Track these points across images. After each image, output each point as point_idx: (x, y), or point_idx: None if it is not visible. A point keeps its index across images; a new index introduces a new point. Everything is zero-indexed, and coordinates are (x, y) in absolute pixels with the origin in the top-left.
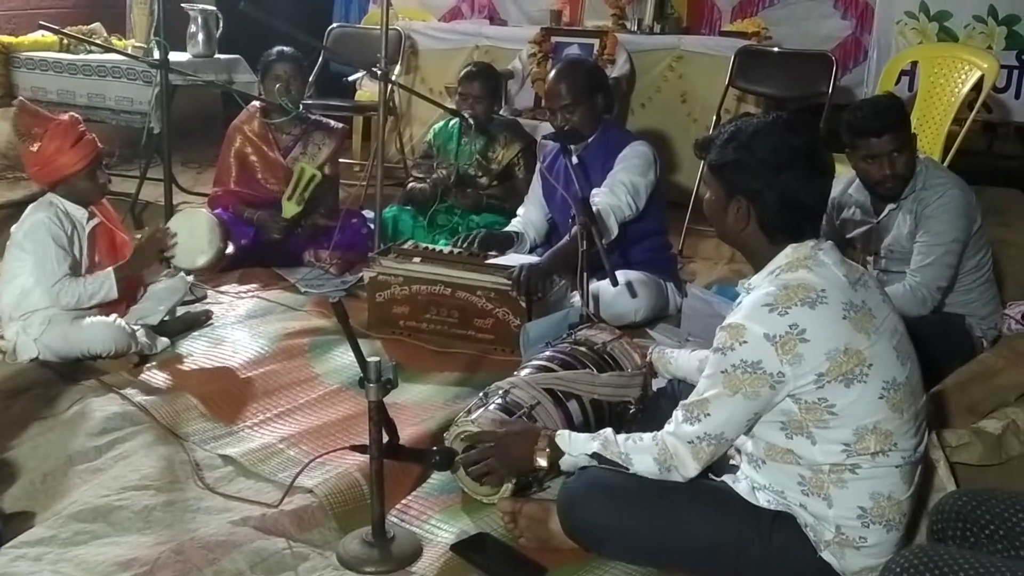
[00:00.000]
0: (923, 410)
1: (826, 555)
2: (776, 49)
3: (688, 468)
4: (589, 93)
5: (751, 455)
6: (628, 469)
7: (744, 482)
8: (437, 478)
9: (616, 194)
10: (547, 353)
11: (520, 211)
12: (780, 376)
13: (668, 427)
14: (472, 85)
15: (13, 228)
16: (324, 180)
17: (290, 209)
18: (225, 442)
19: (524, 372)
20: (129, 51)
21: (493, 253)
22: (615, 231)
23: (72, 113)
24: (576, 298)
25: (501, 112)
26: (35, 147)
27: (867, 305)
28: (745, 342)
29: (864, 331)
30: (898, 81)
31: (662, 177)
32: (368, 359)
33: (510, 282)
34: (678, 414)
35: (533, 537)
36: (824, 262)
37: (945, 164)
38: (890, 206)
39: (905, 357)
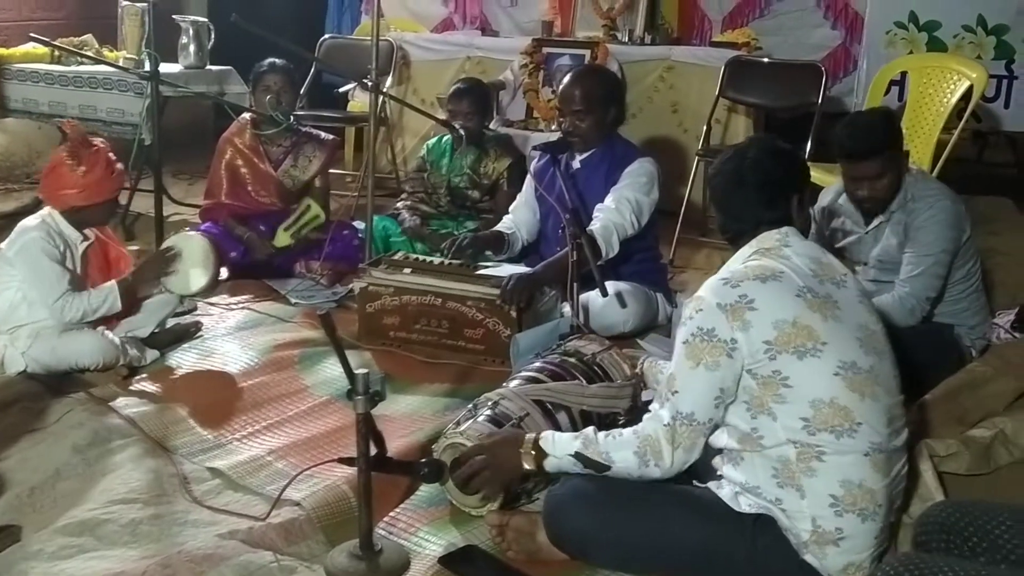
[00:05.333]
0: (898, 407)
1: (808, 557)
2: (766, 59)
3: (665, 457)
4: (603, 103)
5: (729, 450)
6: (610, 467)
7: (727, 488)
8: (426, 490)
9: (621, 212)
10: (536, 364)
11: (511, 209)
12: (733, 343)
13: (646, 416)
14: (461, 103)
15: (3, 245)
16: (325, 223)
17: (283, 239)
18: (213, 455)
19: (513, 383)
20: (120, 63)
21: (486, 264)
22: (617, 249)
23: (102, 140)
24: (566, 309)
25: (492, 123)
26: (80, 170)
27: (832, 298)
28: (701, 310)
29: (819, 312)
30: (888, 91)
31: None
32: (356, 371)
33: (499, 292)
34: (654, 403)
35: (521, 549)
36: (788, 256)
37: (934, 173)
38: (880, 217)
39: (871, 351)
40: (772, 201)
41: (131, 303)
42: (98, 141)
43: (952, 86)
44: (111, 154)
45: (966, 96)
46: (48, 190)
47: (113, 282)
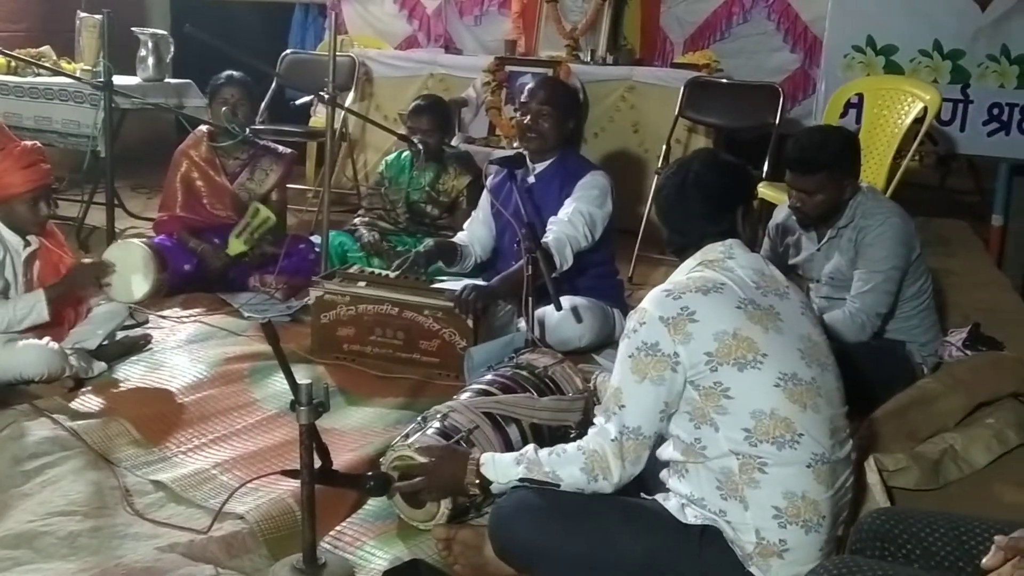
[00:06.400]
0: (841, 419)
1: (753, 569)
2: (724, 80)
3: (613, 471)
4: (564, 110)
5: (674, 462)
6: (559, 485)
7: (674, 500)
8: (373, 504)
9: (574, 224)
10: (488, 377)
11: (465, 226)
12: (676, 357)
13: (592, 431)
14: (421, 119)
15: None
16: (277, 224)
17: (236, 247)
18: (157, 468)
19: (464, 396)
20: (77, 74)
21: (441, 278)
22: (571, 261)
23: (37, 142)
24: (522, 324)
25: (455, 140)
26: None
27: (774, 309)
28: (644, 323)
29: (760, 324)
30: (845, 113)
31: (614, 206)
32: (300, 382)
33: (453, 301)
34: (599, 417)
35: (468, 563)
36: (732, 268)
37: (888, 194)
38: (830, 233)
39: (813, 362)
40: (716, 213)
41: (73, 312)
42: (30, 143)
43: (906, 108)
44: (38, 155)
45: (921, 119)
46: None
47: (40, 290)
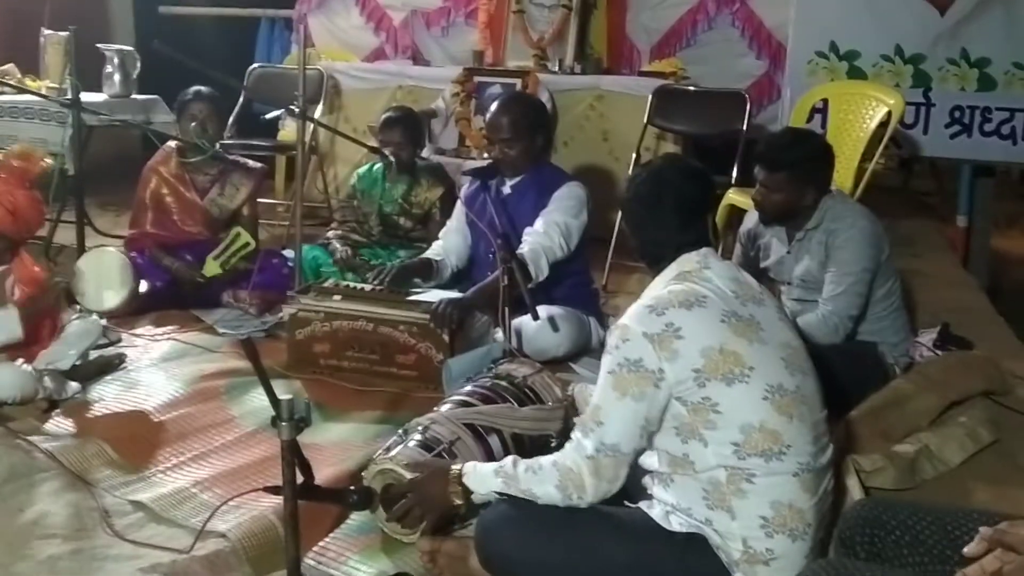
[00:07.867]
0: (822, 423)
1: (739, 575)
2: (692, 88)
3: (587, 489)
4: (530, 130)
5: (659, 473)
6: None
7: (658, 507)
8: (356, 518)
9: (550, 235)
10: (467, 388)
11: (440, 235)
12: (661, 373)
13: (568, 446)
14: (393, 132)
15: None
16: (256, 249)
17: (212, 268)
18: (136, 487)
19: (444, 407)
20: (43, 92)
21: (416, 291)
22: (546, 272)
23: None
24: (499, 335)
25: (425, 152)
26: None
27: (755, 319)
28: (627, 340)
29: (745, 337)
30: (811, 118)
31: (588, 215)
32: (280, 397)
33: (429, 316)
34: (576, 433)
35: (453, 575)
36: (710, 278)
37: (855, 197)
38: (799, 236)
39: (796, 370)
40: (690, 223)
41: (50, 331)
42: (22, 191)
43: (871, 112)
44: (23, 201)
45: (886, 123)
46: None
47: (12, 307)
